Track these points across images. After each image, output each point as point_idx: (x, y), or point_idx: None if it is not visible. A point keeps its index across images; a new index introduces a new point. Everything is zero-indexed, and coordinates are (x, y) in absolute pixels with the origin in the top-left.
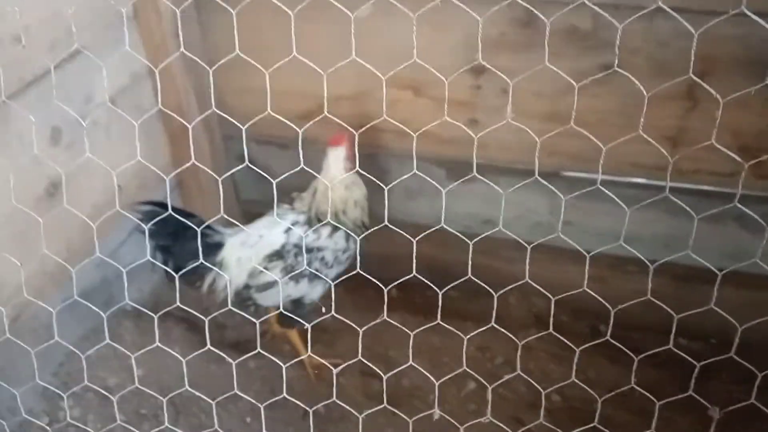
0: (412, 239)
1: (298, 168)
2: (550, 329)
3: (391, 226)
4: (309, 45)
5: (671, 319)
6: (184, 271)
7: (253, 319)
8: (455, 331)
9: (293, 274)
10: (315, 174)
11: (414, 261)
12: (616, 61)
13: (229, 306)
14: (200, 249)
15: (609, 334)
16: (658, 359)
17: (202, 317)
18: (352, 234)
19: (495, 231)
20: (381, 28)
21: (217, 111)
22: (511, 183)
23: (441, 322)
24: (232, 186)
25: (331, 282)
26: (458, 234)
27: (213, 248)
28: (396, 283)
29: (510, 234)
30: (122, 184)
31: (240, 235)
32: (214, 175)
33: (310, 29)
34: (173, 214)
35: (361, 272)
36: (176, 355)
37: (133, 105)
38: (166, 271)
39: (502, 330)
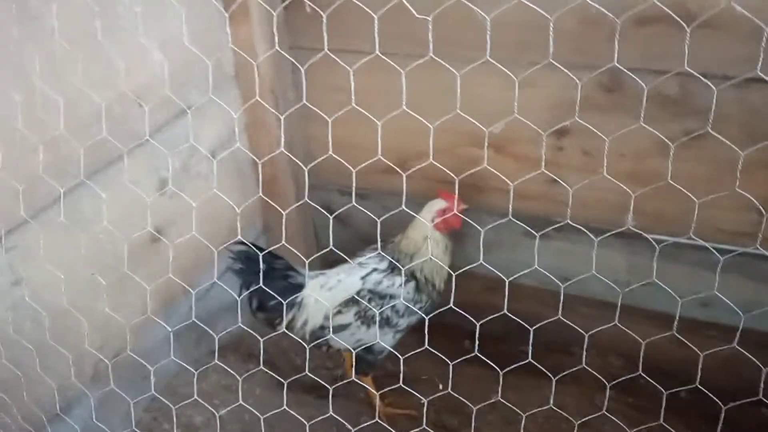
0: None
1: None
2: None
3: (456, 309)
4: (393, 103)
5: (755, 386)
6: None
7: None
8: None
9: (365, 318)
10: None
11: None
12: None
13: (307, 346)
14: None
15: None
16: (740, 427)
17: (317, 378)
18: (425, 288)
19: (571, 287)
20: (466, 88)
21: (309, 202)
22: (590, 242)
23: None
24: (313, 233)
25: (401, 331)
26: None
27: (294, 289)
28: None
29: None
30: (216, 228)
31: (320, 278)
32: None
33: (398, 89)
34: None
35: (429, 348)
36: (299, 419)
37: (230, 156)
38: (251, 308)
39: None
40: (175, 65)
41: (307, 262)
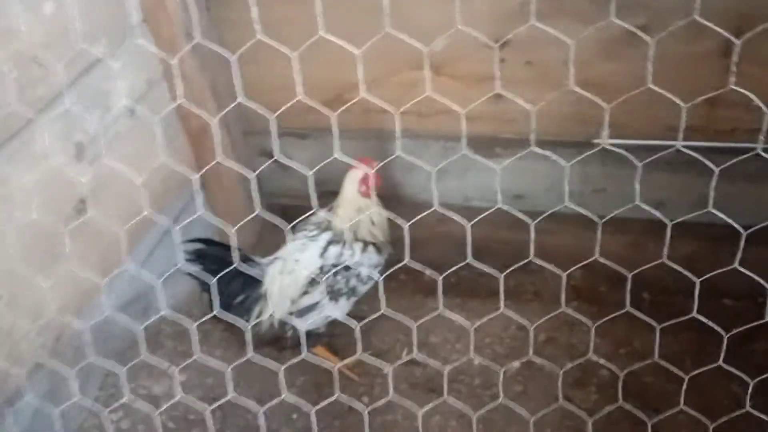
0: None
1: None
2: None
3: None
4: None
5: (713, 281)
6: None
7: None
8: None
9: (333, 293)
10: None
11: (470, 247)
12: None
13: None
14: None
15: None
16: (702, 322)
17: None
18: (384, 248)
19: (525, 203)
20: (398, 10)
21: (244, 103)
22: (539, 156)
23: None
24: (254, 180)
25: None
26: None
27: (255, 281)
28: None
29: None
30: (148, 189)
31: (277, 264)
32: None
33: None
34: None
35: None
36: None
37: (152, 111)
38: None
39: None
40: (71, 18)
41: (232, 231)
